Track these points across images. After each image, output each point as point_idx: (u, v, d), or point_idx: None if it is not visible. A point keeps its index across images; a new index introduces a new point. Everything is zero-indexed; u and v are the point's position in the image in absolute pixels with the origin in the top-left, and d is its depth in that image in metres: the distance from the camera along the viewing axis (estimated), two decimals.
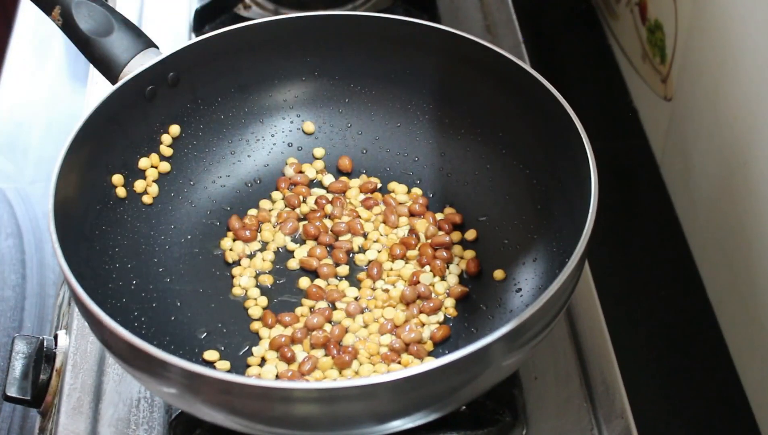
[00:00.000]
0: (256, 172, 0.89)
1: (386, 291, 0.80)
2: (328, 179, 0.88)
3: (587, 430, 0.77)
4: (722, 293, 0.96)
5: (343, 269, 0.82)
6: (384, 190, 0.88)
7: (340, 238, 0.84)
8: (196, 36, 1.01)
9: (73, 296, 0.68)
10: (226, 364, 0.76)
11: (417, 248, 0.83)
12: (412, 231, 0.84)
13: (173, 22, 1.13)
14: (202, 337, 0.78)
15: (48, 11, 0.81)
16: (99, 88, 0.99)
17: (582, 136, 0.74)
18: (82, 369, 0.81)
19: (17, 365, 0.80)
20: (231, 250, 0.83)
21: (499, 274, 0.81)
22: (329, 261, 0.83)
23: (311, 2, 1.11)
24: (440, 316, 0.79)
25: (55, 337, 0.83)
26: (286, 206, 0.86)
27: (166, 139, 0.85)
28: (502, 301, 0.79)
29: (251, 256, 0.83)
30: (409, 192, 0.87)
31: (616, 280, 0.98)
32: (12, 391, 0.79)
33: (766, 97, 0.83)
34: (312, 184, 0.89)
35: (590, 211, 0.69)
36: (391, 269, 0.82)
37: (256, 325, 0.79)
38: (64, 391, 0.80)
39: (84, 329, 0.83)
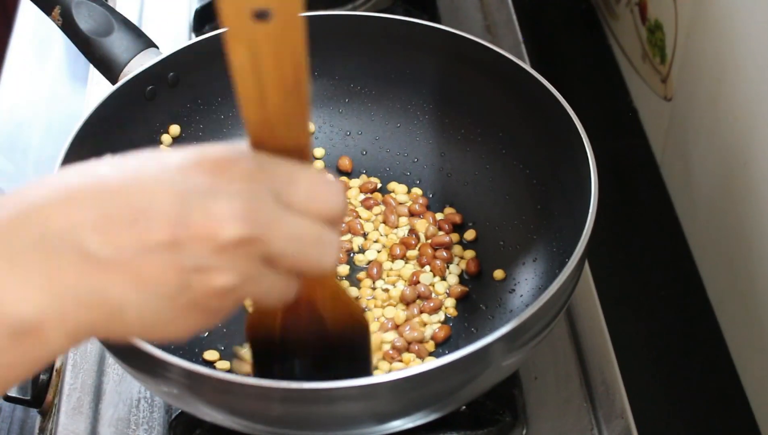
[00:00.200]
0: None
1: (386, 291, 0.80)
2: None
3: (587, 430, 0.77)
4: (722, 293, 0.96)
5: (343, 269, 0.82)
6: (384, 191, 0.88)
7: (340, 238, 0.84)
8: (196, 36, 1.01)
9: None
10: (225, 364, 0.76)
11: (417, 248, 0.83)
12: (412, 231, 0.84)
13: (173, 22, 1.13)
14: (202, 337, 0.78)
15: (48, 11, 0.81)
16: (99, 88, 0.99)
17: (582, 136, 0.74)
18: (82, 369, 0.81)
19: None
20: None
21: (499, 274, 0.81)
22: None
23: (311, 2, 1.11)
24: (441, 316, 0.79)
25: None
26: None
27: (166, 139, 0.85)
28: (502, 301, 0.79)
29: None
30: (409, 192, 0.87)
31: (616, 280, 0.98)
32: (12, 391, 0.79)
33: (766, 97, 0.83)
34: None
35: (590, 211, 0.69)
36: (391, 269, 0.82)
37: None
38: (64, 391, 0.80)
39: None
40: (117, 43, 0.81)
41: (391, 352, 0.76)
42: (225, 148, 0.48)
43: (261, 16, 0.45)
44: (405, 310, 0.79)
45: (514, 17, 1.11)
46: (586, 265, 0.85)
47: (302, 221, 0.48)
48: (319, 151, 0.90)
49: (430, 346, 0.77)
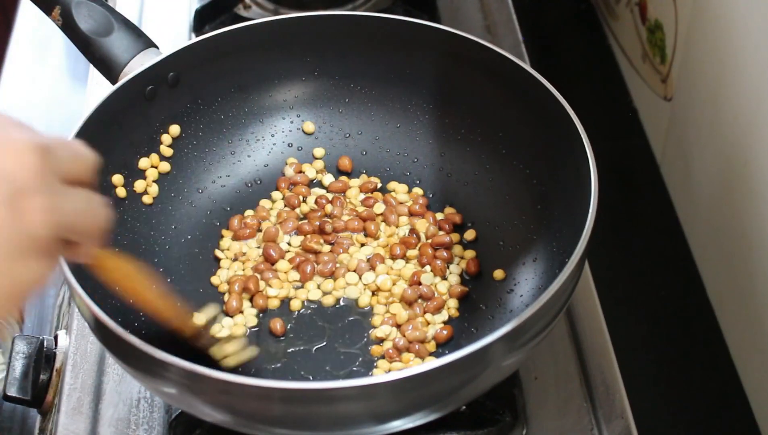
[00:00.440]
0: (256, 172, 0.89)
1: (387, 290, 0.80)
2: (328, 179, 0.88)
3: (587, 430, 0.77)
4: (722, 293, 0.96)
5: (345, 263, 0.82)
6: (384, 190, 0.88)
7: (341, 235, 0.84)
8: (196, 36, 1.01)
9: (73, 296, 0.68)
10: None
11: (417, 248, 0.83)
12: (413, 231, 0.84)
13: (173, 22, 1.13)
14: None
15: (48, 11, 0.81)
16: (99, 88, 0.99)
17: (582, 136, 0.74)
18: (82, 369, 0.81)
19: (17, 365, 0.80)
20: (228, 249, 0.83)
21: (499, 274, 0.81)
22: (327, 248, 0.83)
23: (311, 2, 1.11)
24: (444, 316, 0.79)
25: (55, 337, 0.83)
26: (285, 206, 0.86)
27: (166, 139, 0.85)
28: (502, 301, 0.79)
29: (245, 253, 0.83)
30: (409, 192, 0.87)
31: (616, 280, 0.98)
32: (12, 391, 0.79)
33: (766, 97, 0.83)
34: (312, 184, 0.89)
35: (590, 211, 0.69)
36: (392, 268, 0.82)
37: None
38: (64, 391, 0.80)
39: (84, 329, 0.83)
40: (117, 43, 0.81)
41: (391, 351, 0.76)
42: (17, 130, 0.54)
43: None
44: (407, 309, 0.79)
45: (514, 17, 1.11)
46: (586, 265, 0.85)
47: (83, 195, 0.57)
48: (319, 151, 0.90)
49: (431, 346, 0.77)
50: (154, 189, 0.84)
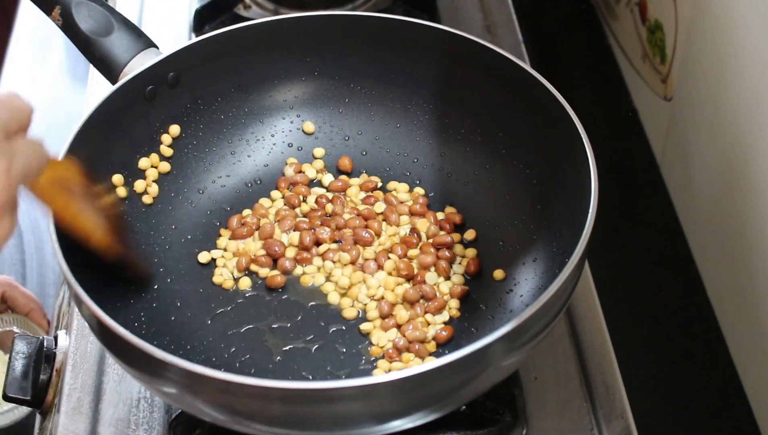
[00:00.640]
0: (256, 172, 0.89)
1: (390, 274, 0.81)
2: (327, 178, 0.88)
3: (587, 430, 0.77)
4: (722, 293, 0.96)
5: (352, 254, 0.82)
6: (384, 190, 0.88)
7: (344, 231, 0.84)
8: (196, 36, 1.01)
9: (73, 296, 0.68)
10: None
11: (418, 247, 0.83)
12: (414, 230, 0.84)
13: (173, 22, 1.13)
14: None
15: (48, 11, 0.81)
16: (99, 88, 0.99)
17: (582, 136, 0.74)
18: (82, 369, 0.81)
19: (17, 365, 0.80)
20: (225, 249, 0.84)
21: (499, 274, 0.81)
22: (334, 246, 0.83)
23: (311, 2, 1.11)
24: (445, 316, 0.79)
25: (55, 337, 0.83)
26: (285, 205, 0.86)
27: (166, 139, 0.85)
28: (502, 301, 0.79)
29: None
30: (410, 191, 0.87)
31: (616, 280, 0.98)
32: (12, 391, 0.79)
33: (766, 97, 0.83)
34: (312, 183, 0.89)
35: (590, 211, 0.69)
36: (396, 267, 0.82)
37: None
38: (64, 391, 0.80)
39: (84, 329, 0.83)
40: (117, 43, 0.81)
41: (391, 351, 0.76)
42: None
43: None
44: (409, 309, 0.79)
45: (514, 17, 1.11)
46: (586, 265, 0.85)
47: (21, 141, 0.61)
48: (319, 151, 0.90)
49: (431, 346, 0.77)
50: (154, 189, 0.84)
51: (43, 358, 0.81)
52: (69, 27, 0.81)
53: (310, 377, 0.75)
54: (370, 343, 0.77)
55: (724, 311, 0.95)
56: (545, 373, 0.80)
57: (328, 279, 0.82)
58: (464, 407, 0.75)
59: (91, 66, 0.83)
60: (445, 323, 0.78)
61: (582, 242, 0.68)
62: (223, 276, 0.82)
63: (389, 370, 0.75)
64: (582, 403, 0.78)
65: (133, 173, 0.83)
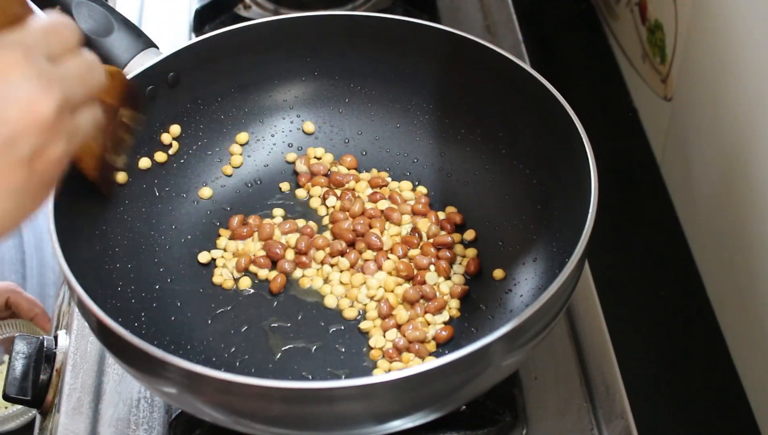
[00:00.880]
0: (256, 172, 0.89)
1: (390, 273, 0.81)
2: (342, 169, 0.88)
3: (587, 430, 0.77)
4: (722, 293, 0.96)
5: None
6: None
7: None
8: (196, 36, 1.01)
9: (73, 296, 0.68)
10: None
11: (419, 247, 0.83)
12: (415, 230, 0.84)
13: (173, 22, 1.13)
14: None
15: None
16: None
17: (582, 136, 0.74)
18: (82, 369, 0.81)
19: (17, 365, 0.80)
20: (225, 249, 0.84)
21: (498, 273, 0.81)
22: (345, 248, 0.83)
23: (311, 2, 1.11)
24: (445, 316, 0.79)
25: (55, 337, 0.83)
26: (339, 209, 0.86)
27: (165, 138, 0.85)
28: (502, 301, 0.79)
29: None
30: (414, 190, 0.87)
31: (616, 280, 0.98)
32: (12, 391, 0.79)
33: (766, 97, 0.83)
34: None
35: (590, 211, 0.69)
36: (396, 266, 0.82)
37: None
38: (64, 391, 0.80)
39: (84, 329, 0.83)
40: (117, 43, 0.81)
41: (391, 351, 0.76)
42: None
43: None
44: (409, 309, 0.79)
45: (514, 17, 1.11)
46: (586, 265, 0.85)
47: (73, 62, 0.56)
48: (319, 151, 0.90)
49: (431, 346, 0.77)
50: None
51: (43, 358, 0.81)
52: None
53: (310, 377, 0.75)
54: (369, 347, 0.77)
55: (724, 311, 0.95)
56: (545, 373, 0.80)
57: (326, 281, 0.82)
58: (464, 407, 0.75)
59: None
60: (445, 323, 0.78)
61: (582, 242, 0.68)
62: (223, 276, 0.82)
63: (389, 370, 0.75)
64: (582, 403, 0.78)
65: (134, 173, 0.83)
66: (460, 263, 0.82)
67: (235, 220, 0.85)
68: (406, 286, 0.80)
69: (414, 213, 0.85)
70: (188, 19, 1.12)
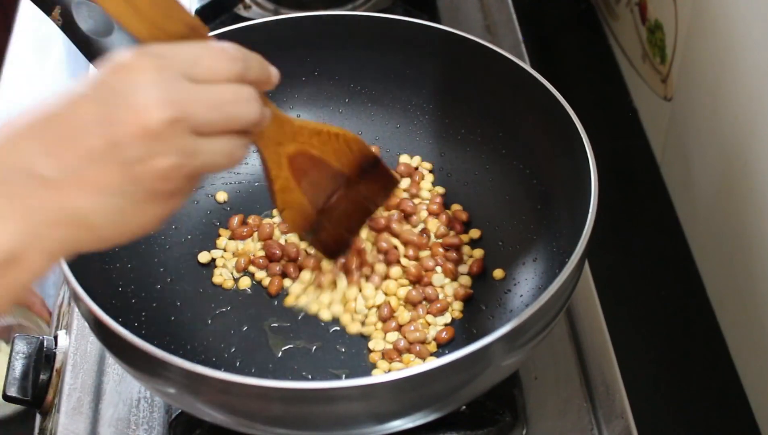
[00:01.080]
0: (257, 173, 0.88)
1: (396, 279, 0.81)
2: None
3: (587, 430, 0.76)
4: (722, 293, 0.96)
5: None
6: None
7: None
8: None
9: (73, 296, 0.68)
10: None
11: (428, 248, 0.82)
12: (424, 230, 0.84)
13: None
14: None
15: (48, 11, 0.81)
16: None
17: (582, 136, 0.74)
18: (82, 369, 0.81)
19: (17, 365, 0.80)
20: (225, 249, 0.84)
21: (498, 273, 0.81)
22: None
23: (311, 2, 1.11)
24: (447, 318, 0.79)
25: (55, 337, 0.83)
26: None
27: None
28: (502, 301, 0.79)
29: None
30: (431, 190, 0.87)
31: (616, 280, 0.98)
32: (12, 391, 0.79)
33: (766, 97, 0.83)
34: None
35: (590, 211, 0.69)
36: (405, 267, 0.81)
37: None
38: (64, 391, 0.80)
39: (84, 329, 0.83)
40: (117, 43, 0.80)
41: (390, 351, 0.76)
42: (126, 51, 0.53)
43: None
44: (411, 310, 0.79)
45: (514, 17, 1.11)
46: (586, 265, 0.85)
47: (214, 88, 0.54)
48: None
49: (432, 347, 0.77)
50: None
51: (43, 358, 0.81)
52: (69, 27, 0.81)
53: (310, 377, 0.75)
54: (369, 350, 0.77)
55: (724, 311, 0.95)
56: (545, 373, 0.80)
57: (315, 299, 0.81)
58: (464, 407, 0.75)
59: (91, 66, 0.83)
60: (446, 325, 0.78)
61: (582, 242, 0.68)
62: (223, 276, 0.82)
63: (389, 370, 0.75)
64: (582, 403, 0.78)
65: None
66: (465, 263, 0.82)
67: (235, 220, 0.85)
68: (409, 287, 0.80)
69: (429, 213, 0.85)
70: None
